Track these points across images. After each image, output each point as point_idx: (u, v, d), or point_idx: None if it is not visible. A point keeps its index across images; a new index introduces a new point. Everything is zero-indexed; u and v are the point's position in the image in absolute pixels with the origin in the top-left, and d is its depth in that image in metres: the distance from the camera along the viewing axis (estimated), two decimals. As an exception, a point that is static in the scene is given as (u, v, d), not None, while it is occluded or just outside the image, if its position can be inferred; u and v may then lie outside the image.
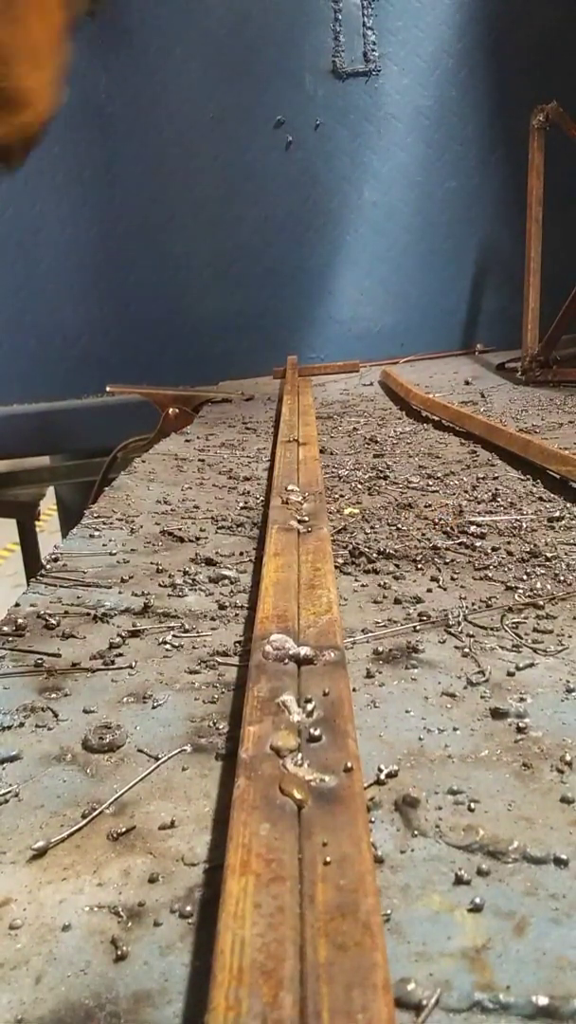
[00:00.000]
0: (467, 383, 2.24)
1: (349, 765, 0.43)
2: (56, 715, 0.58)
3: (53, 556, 0.92)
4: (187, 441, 1.64)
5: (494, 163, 2.80)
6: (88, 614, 0.76)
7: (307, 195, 2.71)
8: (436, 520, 0.97)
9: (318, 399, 2.06)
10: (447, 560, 0.85)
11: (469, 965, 0.35)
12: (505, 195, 2.77)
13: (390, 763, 0.50)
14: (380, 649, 0.65)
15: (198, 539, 0.97)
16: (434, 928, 0.37)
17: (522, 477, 1.17)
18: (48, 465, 2.72)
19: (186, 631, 0.71)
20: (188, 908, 0.39)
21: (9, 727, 0.56)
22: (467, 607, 0.73)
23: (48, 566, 0.88)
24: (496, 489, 1.11)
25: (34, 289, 2.67)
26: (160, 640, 0.70)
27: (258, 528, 1.00)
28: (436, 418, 1.67)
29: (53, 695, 0.61)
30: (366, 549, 0.88)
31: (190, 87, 2.59)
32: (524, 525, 0.95)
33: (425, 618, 0.71)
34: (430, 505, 1.06)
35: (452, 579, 0.80)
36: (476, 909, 0.38)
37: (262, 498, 1.14)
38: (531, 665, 0.62)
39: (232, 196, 2.68)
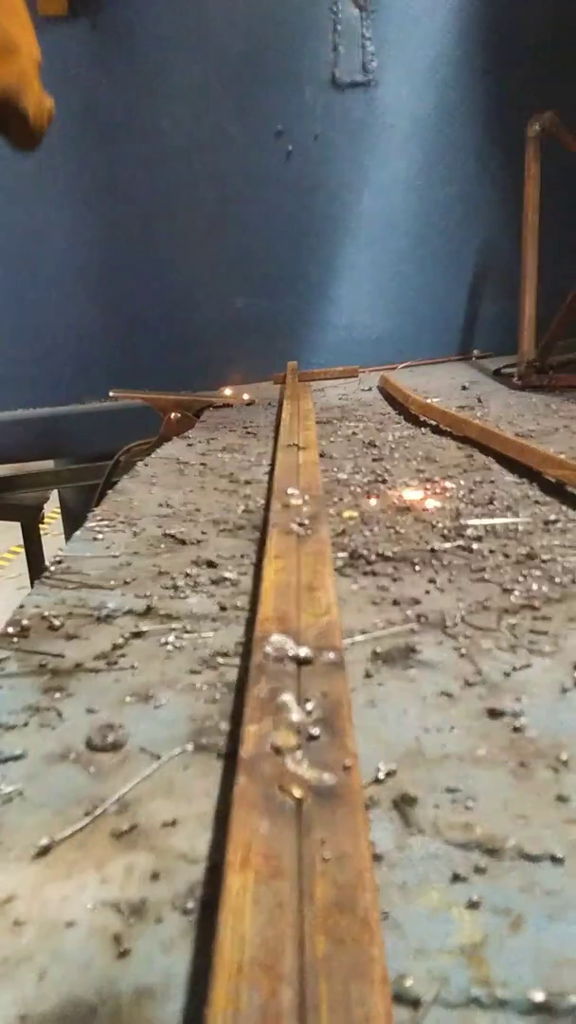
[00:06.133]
0: (464, 388, 2.25)
1: (348, 763, 0.43)
2: (60, 715, 0.58)
3: (57, 559, 0.92)
4: (189, 445, 1.65)
5: (492, 171, 2.82)
6: (91, 616, 0.76)
7: (307, 203, 2.72)
8: (433, 523, 0.97)
9: (318, 404, 2.07)
10: (444, 562, 0.86)
11: (466, 961, 0.35)
12: (503, 202, 2.78)
13: (388, 762, 0.50)
14: (378, 650, 0.66)
15: (199, 542, 0.98)
16: (432, 925, 0.38)
17: (518, 481, 1.18)
18: (52, 469, 2.72)
19: (188, 632, 0.72)
20: (189, 905, 0.40)
21: (14, 727, 0.57)
22: (464, 608, 0.74)
23: (52, 568, 0.89)
24: (493, 493, 1.12)
25: (37, 295, 2.69)
26: (162, 641, 0.70)
27: (258, 531, 1.01)
28: (434, 423, 1.68)
29: (57, 695, 0.61)
30: (365, 551, 0.89)
31: (191, 97, 2.60)
32: (520, 528, 0.95)
33: (423, 619, 0.72)
34: (428, 508, 1.07)
35: (449, 581, 0.81)
36: (473, 906, 0.39)
37: (262, 501, 1.15)
38: (527, 666, 0.62)
39: (232, 203, 2.70)
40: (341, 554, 0.89)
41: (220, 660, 0.66)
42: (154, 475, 1.35)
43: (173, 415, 2.07)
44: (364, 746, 0.51)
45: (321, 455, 1.40)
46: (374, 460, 1.39)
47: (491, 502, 1.07)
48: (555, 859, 0.41)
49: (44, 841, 0.44)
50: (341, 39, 2.59)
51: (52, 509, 3.02)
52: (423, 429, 1.65)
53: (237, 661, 0.66)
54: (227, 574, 0.84)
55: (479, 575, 0.82)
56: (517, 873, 0.41)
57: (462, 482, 1.20)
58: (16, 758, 0.53)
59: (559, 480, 1.11)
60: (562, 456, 1.14)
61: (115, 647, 0.69)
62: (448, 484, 1.19)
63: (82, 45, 2.52)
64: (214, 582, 0.83)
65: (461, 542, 0.91)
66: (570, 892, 0.39)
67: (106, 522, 1.07)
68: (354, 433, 1.67)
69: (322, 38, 2.61)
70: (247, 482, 1.29)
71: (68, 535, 2.55)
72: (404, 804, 0.46)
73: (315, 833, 0.38)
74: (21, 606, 0.78)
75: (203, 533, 1.01)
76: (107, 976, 0.36)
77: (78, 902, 0.40)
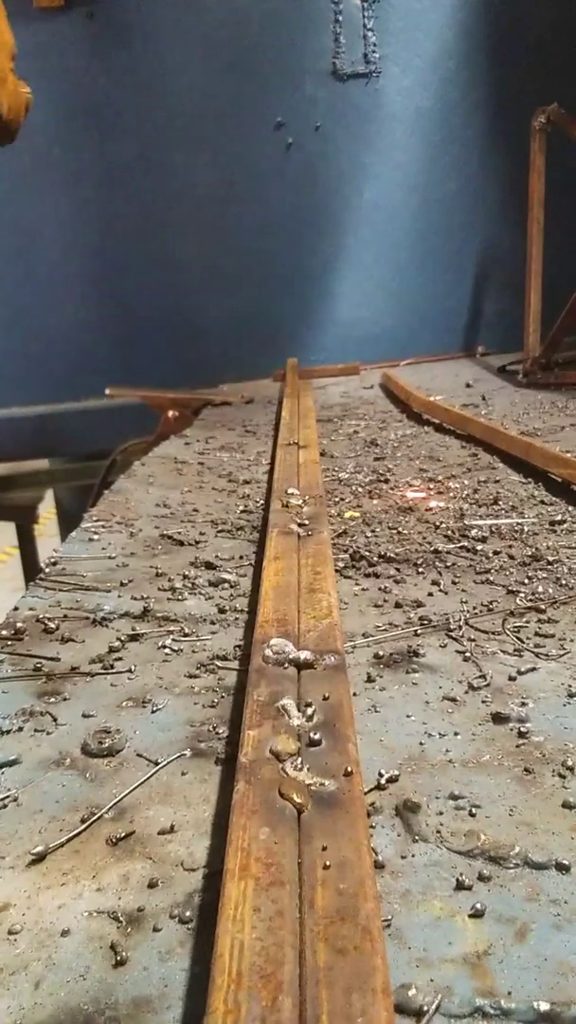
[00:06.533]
0: (468, 386, 2.24)
1: (349, 769, 0.43)
2: (55, 719, 0.58)
3: (52, 560, 0.92)
4: (186, 444, 1.64)
5: (495, 165, 2.81)
6: (87, 618, 0.75)
7: (307, 197, 2.71)
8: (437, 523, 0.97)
9: (318, 402, 2.06)
10: (448, 564, 0.85)
11: (470, 971, 0.35)
12: (506, 197, 2.77)
13: (391, 768, 0.49)
14: (381, 653, 0.65)
15: (198, 543, 0.97)
16: (435, 934, 0.37)
17: (523, 480, 1.17)
18: (47, 468, 2.72)
19: (186, 635, 0.71)
20: (188, 913, 0.39)
21: (8, 731, 0.56)
22: (468, 611, 0.73)
23: (47, 570, 0.88)
24: (497, 492, 1.11)
25: (33, 291, 2.68)
26: (159, 644, 0.69)
27: (258, 532, 1.00)
28: (437, 421, 1.67)
29: (52, 699, 0.61)
30: (367, 553, 0.88)
31: (190, 89, 2.59)
32: (526, 529, 0.95)
33: (426, 622, 0.71)
34: (431, 509, 1.06)
35: (453, 583, 0.80)
36: (477, 915, 0.38)
37: (262, 501, 1.14)
38: (533, 669, 0.61)
39: (232, 198, 2.69)
40: (342, 555, 0.88)
41: (219, 663, 0.65)
42: (151, 474, 1.35)
43: (171, 413, 2.06)
44: (366, 751, 0.51)
45: (322, 454, 1.39)
46: (376, 459, 1.38)
47: (496, 502, 1.06)
48: (561, 867, 0.41)
49: (39, 849, 0.44)
50: (342, 30, 2.58)
51: (47, 509, 3.02)
52: (426, 427, 1.64)
53: (236, 664, 0.65)
54: (226, 575, 0.84)
55: (484, 577, 0.81)
56: (522, 881, 0.40)
57: (466, 482, 1.19)
58: (10, 763, 0.52)
59: (566, 479, 1.10)
60: (568, 455, 1.13)
61: (111, 650, 0.68)
62: (452, 484, 1.18)
63: (78, 37, 2.51)
64: (213, 584, 0.82)
65: (465, 543, 0.91)
66: (576, 901, 0.39)
67: (102, 522, 1.06)
68: (356, 431, 1.66)
69: (323, 29, 2.59)
70: (246, 482, 1.28)
71: (63, 536, 2.55)
72: (407, 811, 0.45)
73: (316, 840, 0.37)
74: (16, 608, 0.78)
75: (201, 534, 1.01)
76: (104, 985, 0.35)
77: (74, 911, 0.40)
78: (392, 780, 0.48)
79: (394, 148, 2.73)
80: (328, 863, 0.36)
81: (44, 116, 2.54)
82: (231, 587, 0.82)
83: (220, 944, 0.32)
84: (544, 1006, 0.33)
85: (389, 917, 0.38)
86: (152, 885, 0.41)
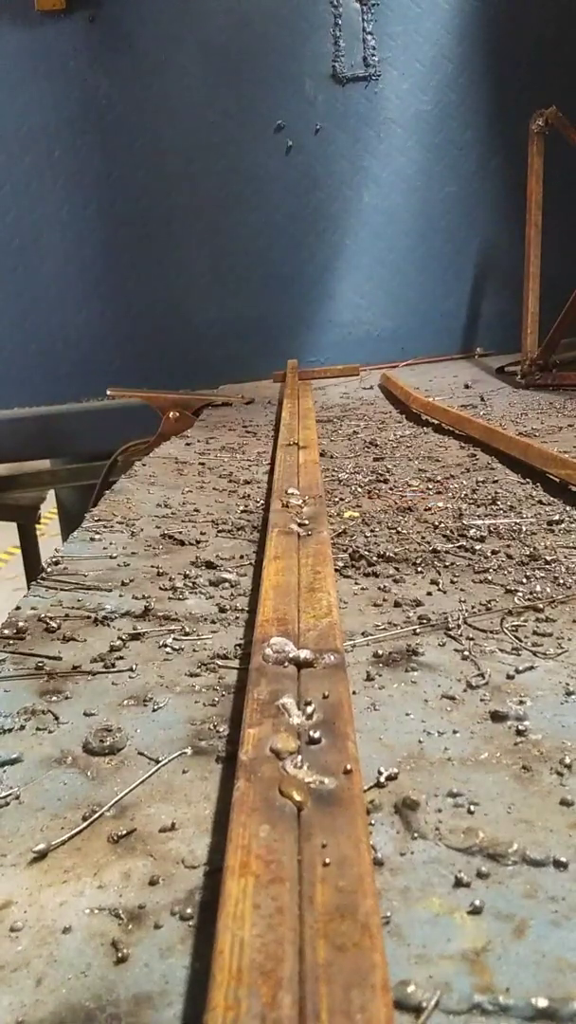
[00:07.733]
0: (467, 387, 2.25)
1: (348, 767, 0.43)
2: (57, 718, 0.58)
3: (54, 559, 0.92)
4: (187, 444, 1.65)
5: (493, 168, 2.82)
6: (89, 617, 0.76)
7: (307, 199, 2.72)
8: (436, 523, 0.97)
9: (318, 403, 2.06)
10: (447, 563, 0.86)
11: (469, 967, 0.35)
12: (504, 199, 2.78)
13: (390, 766, 0.50)
14: (380, 652, 0.66)
15: (198, 542, 0.98)
16: (434, 930, 0.37)
17: (522, 480, 1.17)
18: (49, 468, 2.73)
19: (186, 634, 0.71)
20: (188, 910, 0.39)
21: (10, 730, 0.56)
22: (467, 610, 0.73)
23: (49, 569, 0.89)
24: (496, 492, 1.11)
25: (35, 293, 2.68)
26: (160, 643, 0.70)
27: (258, 531, 1.00)
28: (436, 422, 1.67)
29: (54, 698, 0.61)
30: (366, 552, 0.89)
31: (190, 92, 2.60)
32: (524, 528, 0.95)
33: (425, 621, 0.71)
34: (430, 508, 1.07)
35: (452, 582, 0.80)
36: (476, 911, 0.38)
37: (262, 501, 1.14)
38: (531, 668, 0.62)
39: (232, 200, 2.70)
40: (342, 555, 0.89)
41: (219, 662, 0.65)
42: (152, 475, 1.35)
43: (172, 414, 2.07)
44: (365, 749, 0.51)
45: (322, 454, 1.39)
46: (375, 459, 1.38)
47: (494, 502, 1.06)
48: (559, 864, 0.41)
49: (40, 846, 0.44)
50: (342, 33, 2.59)
51: (49, 509, 3.03)
52: (425, 428, 1.65)
53: (236, 663, 0.65)
54: (226, 575, 0.84)
55: (482, 576, 0.81)
56: (520, 878, 0.40)
57: (464, 482, 1.19)
58: (12, 762, 0.53)
59: (563, 480, 1.11)
60: (566, 455, 1.13)
61: (113, 649, 0.69)
62: (450, 484, 1.19)
63: (80, 40, 2.52)
64: (213, 583, 0.83)
65: (464, 543, 0.91)
66: (575, 897, 0.39)
67: (104, 522, 1.06)
68: (355, 432, 1.66)
69: (323, 32, 2.60)
70: (247, 482, 1.29)
71: (65, 536, 2.56)
72: (406, 808, 0.46)
73: (315, 838, 0.38)
74: (17, 608, 0.78)
75: (202, 534, 1.01)
76: (105, 982, 0.35)
77: (75, 908, 0.40)
78: (391, 778, 0.49)
79: (393, 151, 2.74)
80: (328, 860, 0.36)
81: (45, 118, 2.55)
82: (231, 586, 0.82)
83: (220, 941, 0.32)
84: (542, 1002, 0.33)
85: (388, 914, 0.38)
86: (153, 882, 0.41)
